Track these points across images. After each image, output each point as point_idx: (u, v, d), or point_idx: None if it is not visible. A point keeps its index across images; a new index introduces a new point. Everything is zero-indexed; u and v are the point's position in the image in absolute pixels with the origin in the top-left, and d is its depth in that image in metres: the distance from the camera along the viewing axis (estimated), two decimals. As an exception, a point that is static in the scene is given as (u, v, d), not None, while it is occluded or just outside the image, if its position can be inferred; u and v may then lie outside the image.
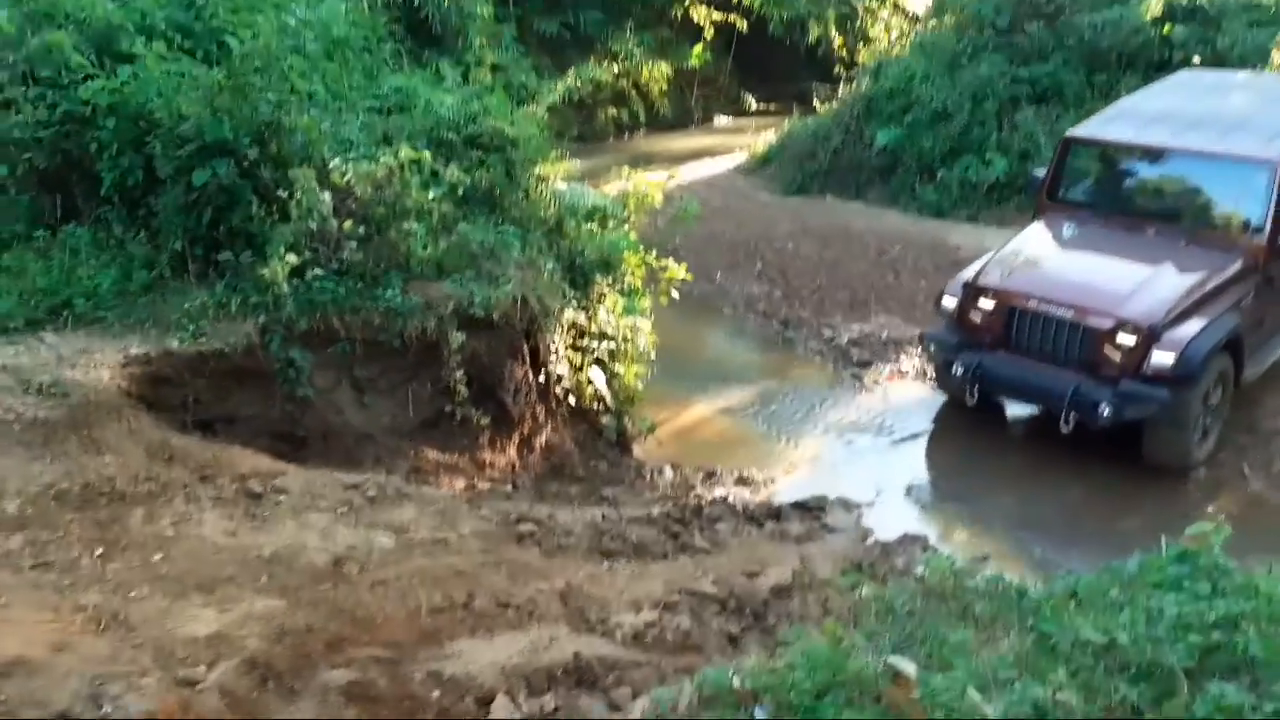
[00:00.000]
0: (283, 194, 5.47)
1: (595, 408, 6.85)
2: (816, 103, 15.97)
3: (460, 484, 5.67)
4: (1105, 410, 6.36)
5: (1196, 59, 12.25)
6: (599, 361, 6.86)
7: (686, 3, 18.25)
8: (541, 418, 6.35)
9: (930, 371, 8.20)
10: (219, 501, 4.39)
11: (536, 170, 7.08)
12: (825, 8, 18.57)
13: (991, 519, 6.47)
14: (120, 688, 3.17)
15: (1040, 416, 7.30)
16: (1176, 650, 2.94)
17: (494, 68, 8.56)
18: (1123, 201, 7.70)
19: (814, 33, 18.56)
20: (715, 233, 11.96)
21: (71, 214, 5.79)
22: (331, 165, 5.81)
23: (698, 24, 18.25)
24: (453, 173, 6.23)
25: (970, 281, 7.15)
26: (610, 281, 7.06)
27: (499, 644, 3.82)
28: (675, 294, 7.72)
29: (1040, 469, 6.86)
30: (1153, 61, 12.43)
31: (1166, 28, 12.62)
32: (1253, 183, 7.01)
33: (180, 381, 5.07)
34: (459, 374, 5.65)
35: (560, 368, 6.52)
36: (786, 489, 6.89)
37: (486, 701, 3.48)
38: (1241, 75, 9.60)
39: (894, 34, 17.93)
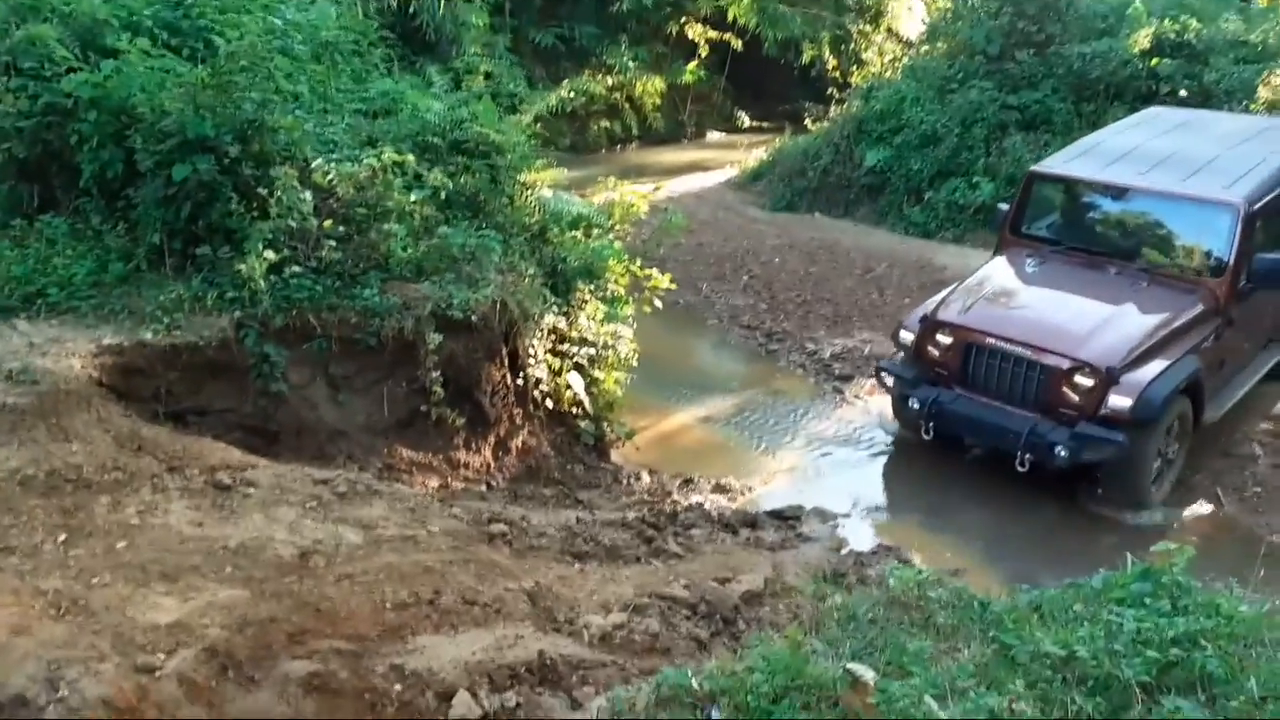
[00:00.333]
0: (263, 191, 5.47)
1: (574, 412, 6.85)
2: (808, 122, 16.08)
3: (434, 483, 5.66)
4: (1061, 452, 6.24)
5: (1183, 92, 12.41)
6: (579, 367, 6.87)
7: (682, 20, 18.37)
8: (519, 420, 6.35)
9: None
10: (187, 492, 4.37)
11: (521, 177, 7.10)
12: (819, 29, 18.70)
13: (967, 533, 6.49)
14: (77, 672, 3.16)
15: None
16: (1134, 665, 2.95)
17: (486, 76, 8.57)
18: (1086, 239, 7.57)
19: (808, 54, 18.69)
20: (703, 245, 12.04)
21: (50, 204, 5.78)
22: (314, 165, 5.82)
23: (693, 41, 18.37)
24: (436, 176, 6.25)
25: (928, 315, 7.01)
26: (593, 288, 7.08)
27: (463, 641, 3.81)
28: (659, 304, 7.76)
29: (1017, 486, 6.86)
30: (1140, 93, 12.59)
31: (1154, 60, 12.77)
32: (1216, 224, 6.95)
33: (153, 373, 5.04)
34: (435, 374, 5.65)
35: (539, 371, 6.52)
36: (764, 498, 6.92)
37: (447, 697, 3.48)
38: (1210, 114, 9.51)
39: (887, 58, 18.07)
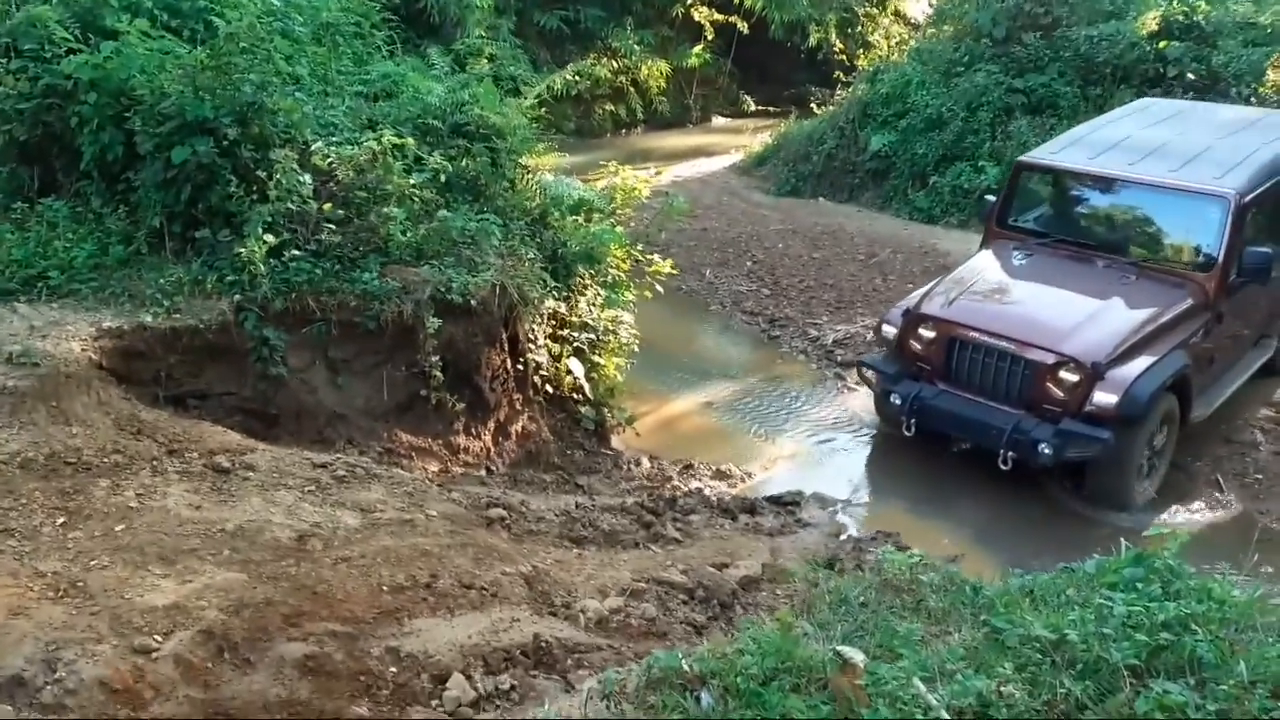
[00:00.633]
0: (262, 174, 5.47)
1: (574, 397, 6.86)
2: (814, 106, 16.02)
3: (434, 468, 5.67)
4: (1045, 450, 6.11)
5: (1191, 75, 12.32)
6: (579, 352, 6.88)
7: (688, 2, 18.29)
8: (518, 405, 6.36)
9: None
10: (186, 475, 4.39)
11: (522, 161, 7.09)
12: (826, 12, 18.61)
13: (965, 520, 6.48)
14: (75, 653, 3.19)
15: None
16: (1122, 648, 2.96)
17: (490, 59, 8.54)
18: (1073, 231, 7.40)
19: (814, 37, 18.61)
20: (707, 230, 12.03)
21: (50, 187, 5.79)
22: (314, 148, 5.82)
23: (698, 24, 18.29)
24: (436, 160, 6.24)
25: (911, 309, 6.89)
26: (593, 273, 7.07)
27: (459, 624, 3.82)
28: (661, 289, 7.75)
29: (1016, 473, 6.86)
30: (1147, 76, 12.52)
31: (1162, 43, 12.68)
32: (1206, 216, 6.78)
33: (153, 356, 5.05)
34: (435, 359, 5.65)
35: (539, 356, 6.53)
36: (764, 484, 6.93)
37: (442, 679, 3.50)
38: (1203, 106, 9.34)
39: (893, 41, 18.00)
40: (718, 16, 18.20)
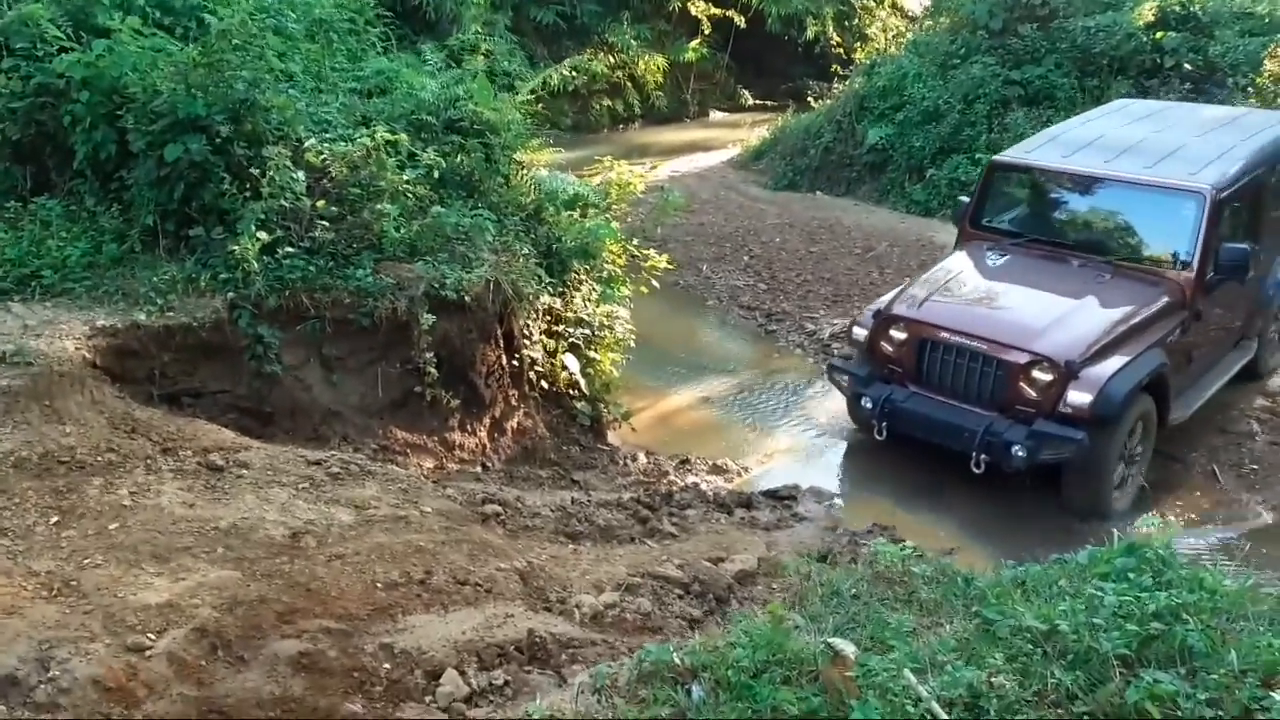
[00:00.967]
0: (255, 172, 5.47)
1: (569, 393, 6.86)
2: (811, 99, 16.00)
3: (429, 464, 5.68)
4: (1019, 452, 5.95)
5: (1188, 66, 12.30)
6: (574, 347, 6.87)
7: (685, -4, 18.28)
8: (514, 401, 6.36)
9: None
10: (179, 474, 4.40)
11: (516, 156, 7.08)
12: (823, 5, 18.60)
13: (962, 513, 6.46)
14: (68, 652, 3.19)
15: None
16: (1113, 638, 2.97)
17: (486, 54, 8.53)
18: (1048, 230, 7.26)
19: (811, 30, 18.59)
20: (704, 225, 12.03)
21: (44, 186, 5.79)
22: (307, 145, 5.81)
23: (695, 18, 18.27)
24: (430, 156, 6.24)
25: (881, 310, 6.77)
26: (588, 269, 7.07)
27: (454, 620, 3.83)
28: (658, 284, 7.74)
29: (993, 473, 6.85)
30: (1144, 67, 12.50)
31: (1159, 34, 12.66)
32: (1181, 213, 6.64)
33: (147, 354, 5.05)
34: (429, 355, 5.66)
35: (534, 352, 6.53)
36: (760, 478, 6.92)
37: (436, 675, 3.50)
38: (1181, 105, 9.24)
39: (890, 33, 17.98)
40: (714, 11, 18.17)
